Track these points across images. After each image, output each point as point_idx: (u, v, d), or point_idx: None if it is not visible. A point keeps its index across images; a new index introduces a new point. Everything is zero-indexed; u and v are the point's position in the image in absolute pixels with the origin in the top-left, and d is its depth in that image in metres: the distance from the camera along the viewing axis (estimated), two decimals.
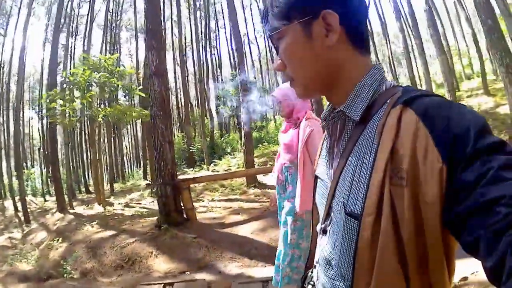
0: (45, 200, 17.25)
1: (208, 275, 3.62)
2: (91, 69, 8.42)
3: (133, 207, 8.89)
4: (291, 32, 0.58)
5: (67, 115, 9.01)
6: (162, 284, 3.27)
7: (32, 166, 27.06)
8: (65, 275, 4.02)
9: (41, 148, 21.56)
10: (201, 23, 23.72)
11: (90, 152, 13.63)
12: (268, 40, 0.77)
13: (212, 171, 11.99)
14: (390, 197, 0.48)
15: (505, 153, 0.41)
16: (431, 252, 0.47)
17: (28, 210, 12.34)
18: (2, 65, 22.25)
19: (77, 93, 8.60)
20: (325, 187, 0.66)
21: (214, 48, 24.95)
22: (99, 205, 10.57)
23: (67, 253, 5.04)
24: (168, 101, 5.24)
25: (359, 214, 0.51)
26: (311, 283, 0.73)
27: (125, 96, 9.39)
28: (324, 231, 0.64)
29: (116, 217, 7.08)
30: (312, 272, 0.75)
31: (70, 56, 19.53)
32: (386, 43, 20.02)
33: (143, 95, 9.09)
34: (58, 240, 5.58)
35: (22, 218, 13.18)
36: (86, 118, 8.70)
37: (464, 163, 0.42)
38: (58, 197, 9.38)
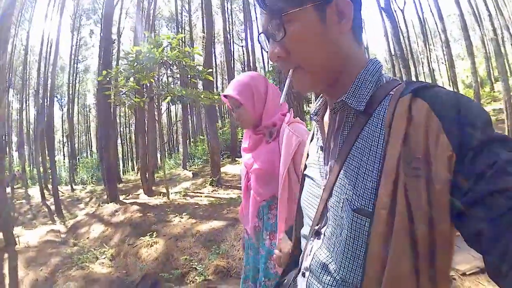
0: (73, 190, 16.47)
1: None
2: (157, 46, 7.70)
3: (198, 196, 8.02)
4: (304, 16, 0.52)
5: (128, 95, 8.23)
6: None
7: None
8: (199, 277, 3.14)
9: (68, 135, 20.85)
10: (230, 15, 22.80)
11: (137, 137, 12.82)
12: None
13: None
14: (405, 189, 0.44)
15: (510, 148, 0.40)
16: (440, 247, 0.43)
17: None
18: (26, 52, 21.77)
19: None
20: (317, 185, 0.60)
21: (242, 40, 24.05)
22: (146, 194, 9.77)
23: (171, 250, 4.20)
24: None
25: (370, 210, 0.47)
26: None
27: (190, 78, 8.69)
28: (317, 233, 0.58)
29: (196, 206, 6.19)
30: (293, 280, 0.67)
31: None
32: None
33: (211, 78, 8.44)
34: (152, 234, 4.72)
35: (53, 208, 12.40)
36: (152, 98, 7.89)
37: (472, 154, 0.41)
38: (110, 186, 8.60)
